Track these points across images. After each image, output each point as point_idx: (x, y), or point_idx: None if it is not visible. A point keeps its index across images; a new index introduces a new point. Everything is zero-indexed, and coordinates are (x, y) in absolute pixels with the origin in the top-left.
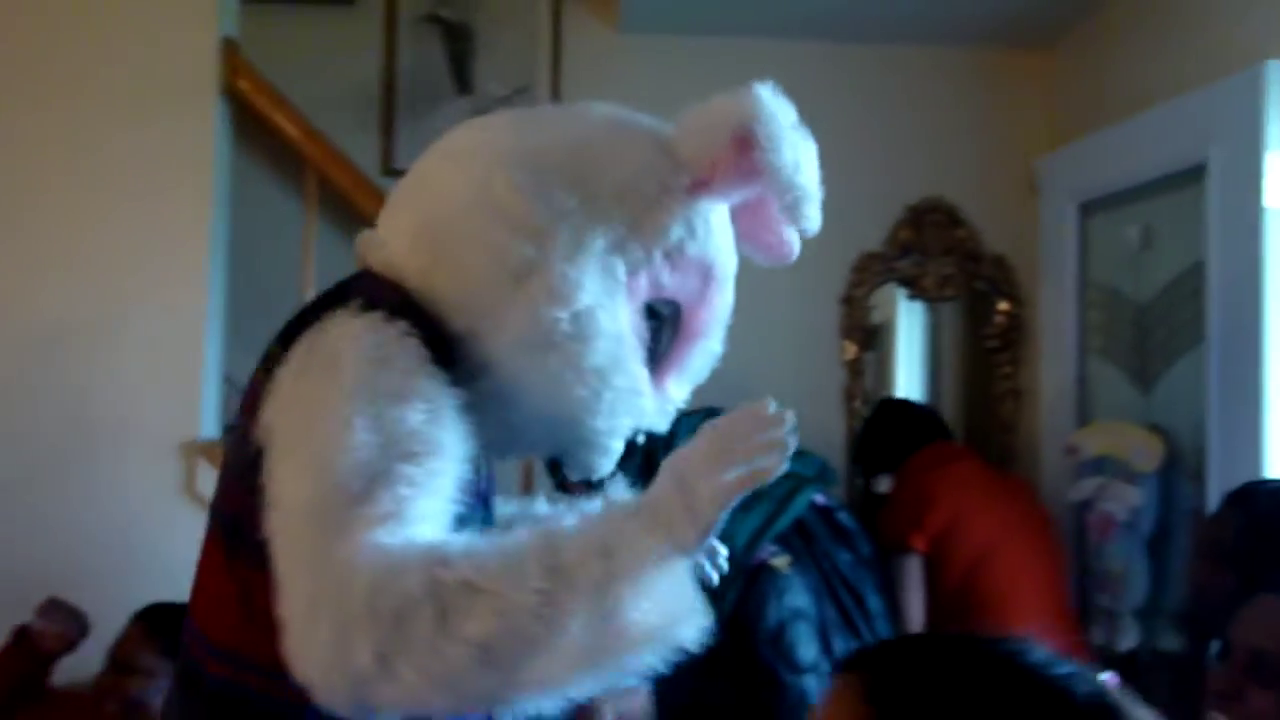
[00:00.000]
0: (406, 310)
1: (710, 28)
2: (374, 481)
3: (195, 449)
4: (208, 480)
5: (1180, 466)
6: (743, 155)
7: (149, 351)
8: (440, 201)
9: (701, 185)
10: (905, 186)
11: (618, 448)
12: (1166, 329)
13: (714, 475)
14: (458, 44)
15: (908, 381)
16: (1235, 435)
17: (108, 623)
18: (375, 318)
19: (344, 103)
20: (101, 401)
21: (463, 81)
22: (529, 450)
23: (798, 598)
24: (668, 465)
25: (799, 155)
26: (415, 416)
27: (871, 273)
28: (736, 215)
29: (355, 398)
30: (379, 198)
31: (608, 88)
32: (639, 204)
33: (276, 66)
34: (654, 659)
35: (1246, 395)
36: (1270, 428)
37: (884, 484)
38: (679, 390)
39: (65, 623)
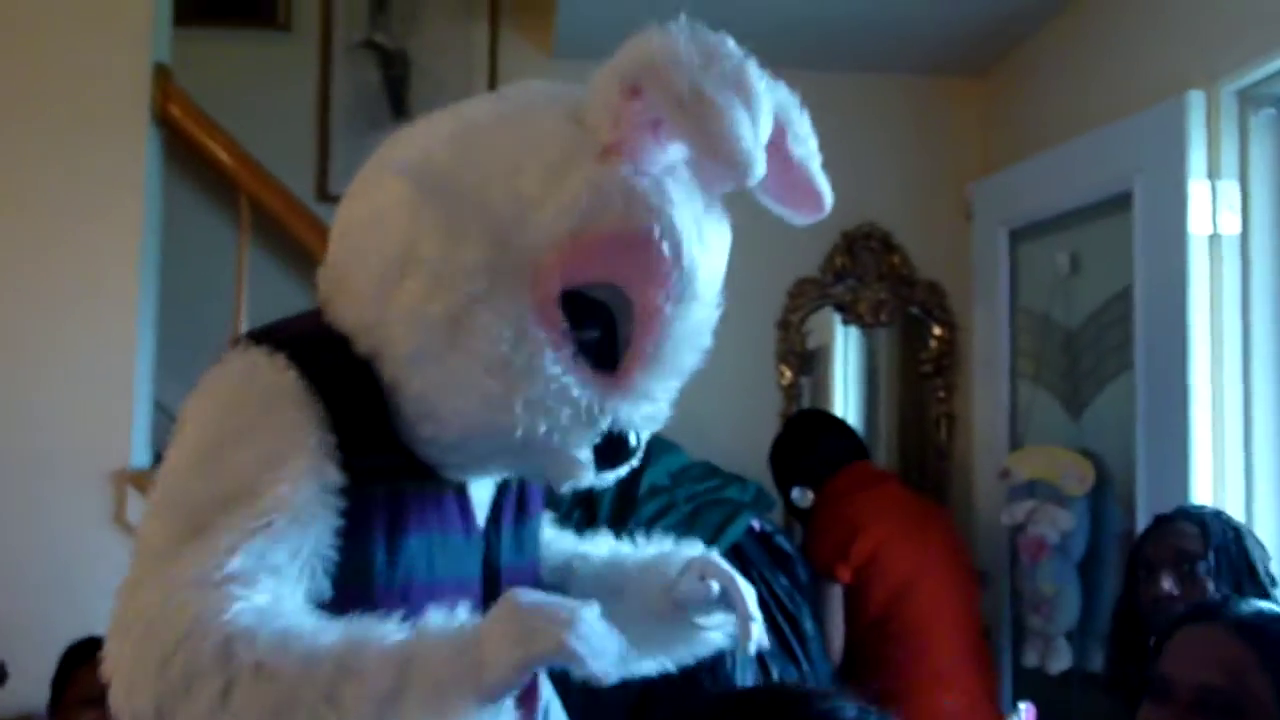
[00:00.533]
0: (295, 342)
1: None
2: (201, 522)
3: (125, 477)
4: (137, 509)
5: (1110, 490)
6: (639, 104)
7: (79, 379)
8: (341, 226)
9: (612, 149)
10: (840, 212)
11: (582, 453)
12: (1095, 354)
13: (519, 648)
14: (394, 70)
15: (844, 406)
16: (1162, 459)
17: (37, 650)
18: (260, 352)
19: (279, 129)
20: (30, 429)
21: (399, 107)
22: (494, 470)
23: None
24: (504, 602)
25: (700, 81)
26: (260, 460)
27: (807, 298)
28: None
29: (210, 434)
30: (313, 224)
31: None
32: (533, 183)
33: (211, 91)
34: None
35: (1173, 419)
36: (1195, 451)
37: (801, 497)
38: (657, 383)
39: None
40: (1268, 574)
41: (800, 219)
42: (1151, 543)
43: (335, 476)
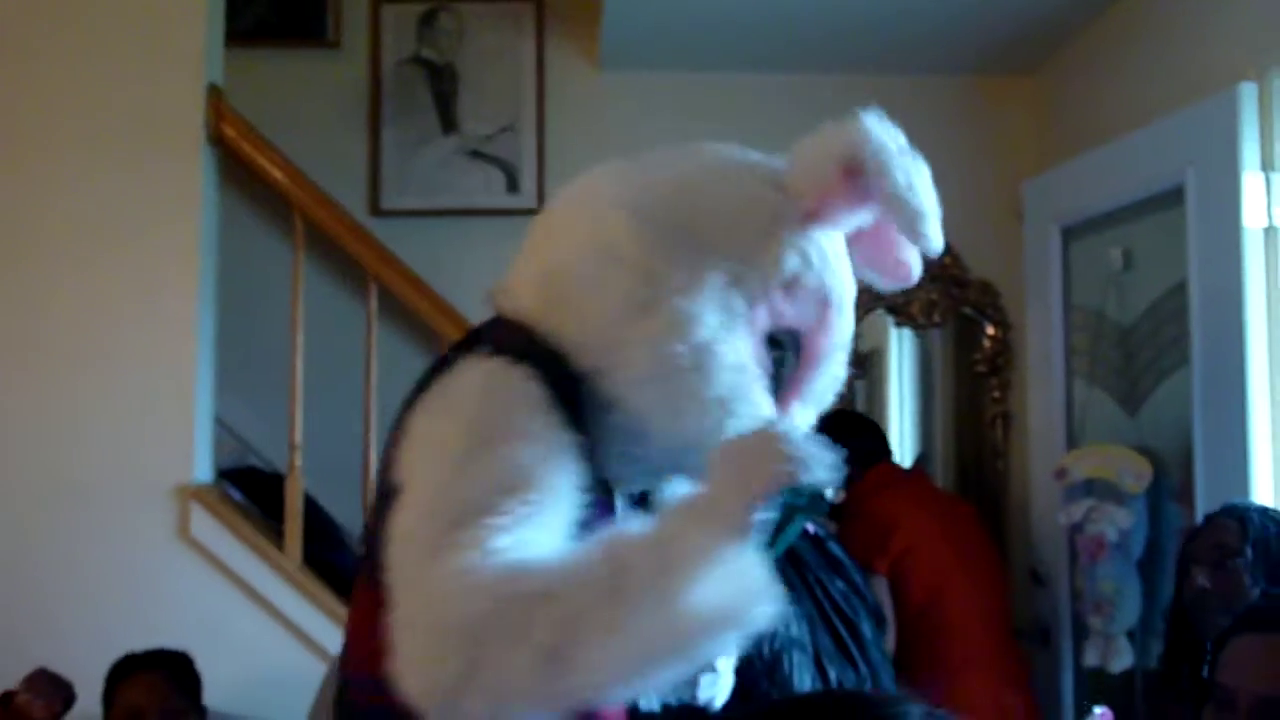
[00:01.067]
0: (531, 353)
1: (690, 63)
2: (471, 512)
3: (189, 493)
4: (201, 524)
5: (1168, 487)
6: (852, 182)
7: (140, 397)
8: (560, 248)
9: (813, 215)
10: None
11: None
12: (1151, 350)
13: (756, 464)
14: (442, 84)
15: (899, 407)
16: (1221, 454)
17: (99, 668)
18: (501, 362)
19: (330, 146)
20: (93, 447)
21: (447, 121)
22: (657, 481)
23: (792, 627)
24: (712, 459)
25: (910, 177)
26: (524, 455)
27: (859, 301)
28: (856, 242)
29: (468, 436)
30: (366, 239)
31: (591, 124)
32: (752, 238)
33: (262, 109)
34: (723, 644)
35: (1231, 414)
36: (1255, 445)
37: (832, 495)
38: (804, 415)
39: (51, 694)
40: None
41: (887, 285)
42: (1194, 539)
43: (583, 476)
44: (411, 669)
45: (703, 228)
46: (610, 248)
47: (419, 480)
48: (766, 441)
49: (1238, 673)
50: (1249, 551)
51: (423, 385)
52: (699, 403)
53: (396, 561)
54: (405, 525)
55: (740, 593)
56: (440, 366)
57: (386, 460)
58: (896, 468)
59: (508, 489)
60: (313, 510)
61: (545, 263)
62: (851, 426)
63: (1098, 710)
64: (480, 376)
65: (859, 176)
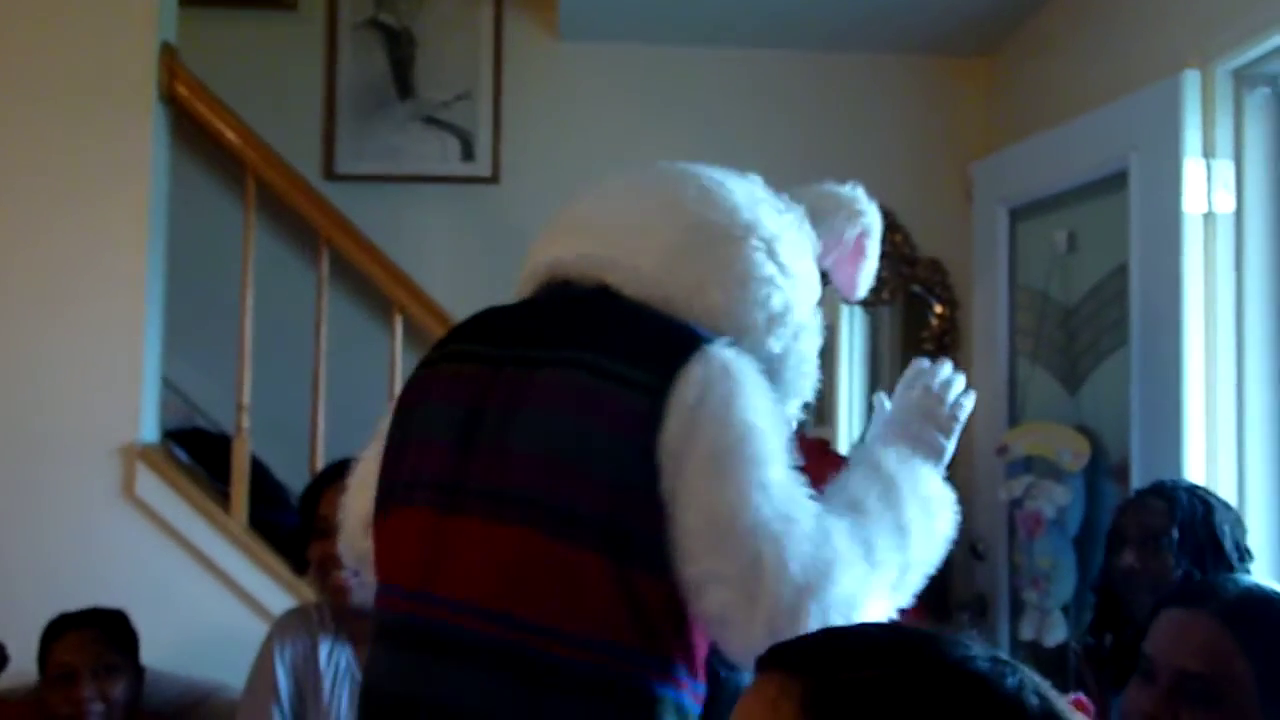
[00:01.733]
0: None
1: (649, 35)
2: (791, 483)
3: (134, 452)
4: (147, 484)
5: (1106, 466)
6: (858, 245)
7: (87, 355)
8: (707, 230)
9: (827, 261)
10: None
11: None
12: (1092, 331)
13: (942, 405)
14: (399, 50)
15: (848, 384)
16: (1156, 435)
17: (43, 623)
18: (723, 348)
19: (285, 108)
20: (40, 407)
21: (404, 87)
22: None
23: None
24: (895, 418)
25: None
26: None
27: None
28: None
29: (762, 405)
30: (318, 202)
31: (548, 94)
32: (814, 276)
33: (216, 71)
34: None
35: (1167, 395)
36: (1189, 426)
37: None
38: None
39: None
40: (1237, 549)
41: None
42: (1123, 517)
43: None
44: (762, 623)
45: (802, 268)
46: (749, 272)
47: (739, 461)
48: (935, 395)
49: (1160, 645)
50: (1175, 532)
51: (658, 370)
52: (811, 373)
53: (753, 507)
54: (755, 480)
55: (948, 508)
56: (664, 353)
57: (628, 439)
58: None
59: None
60: (259, 472)
61: (683, 240)
62: None
63: (1071, 698)
64: (739, 362)
65: (865, 240)
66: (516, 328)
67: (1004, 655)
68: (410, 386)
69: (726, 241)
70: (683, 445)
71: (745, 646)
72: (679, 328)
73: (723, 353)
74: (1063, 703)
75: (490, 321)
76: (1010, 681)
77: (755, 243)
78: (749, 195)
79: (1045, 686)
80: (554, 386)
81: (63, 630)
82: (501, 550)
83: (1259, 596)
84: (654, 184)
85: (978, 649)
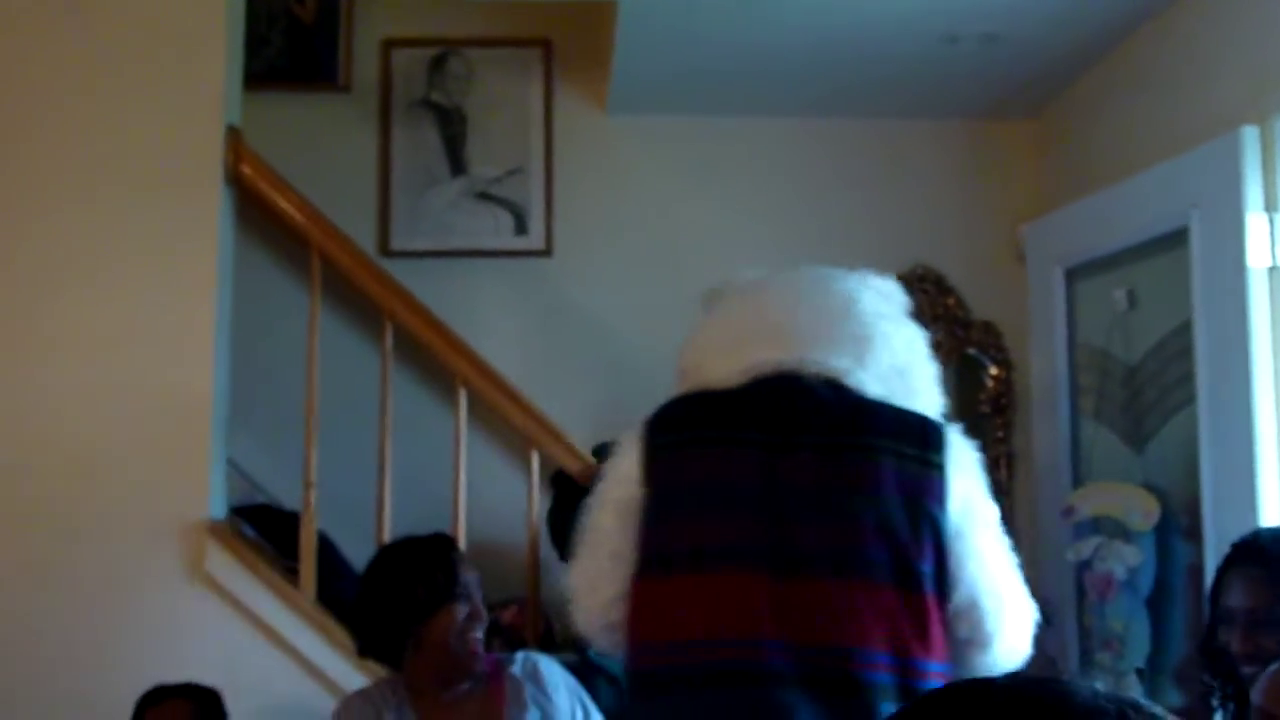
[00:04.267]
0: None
1: (698, 108)
2: None
3: (204, 528)
4: (216, 560)
5: (1175, 524)
6: None
7: (155, 433)
8: (906, 353)
9: None
10: (895, 255)
11: None
12: (1157, 389)
13: None
14: (451, 127)
15: None
16: (1228, 491)
17: (115, 700)
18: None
19: (340, 187)
20: (108, 483)
21: (456, 164)
22: None
23: None
24: None
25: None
26: None
27: None
28: None
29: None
30: (382, 278)
31: (599, 168)
32: None
33: (273, 151)
34: None
35: (1238, 451)
36: (1263, 483)
37: None
38: None
39: None
40: None
41: None
42: (1225, 590)
43: None
44: (1021, 633)
45: None
46: (923, 353)
47: (992, 525)
48: None
49: (1233, 594)
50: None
51: (923, 444)
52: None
53: (1011, 579)
54: (1006, 556)
55: None
56: (925, 434)
57: (909, 496)
58: None
59: None
60: (324, 547)
61: (892, 360)
62: None
63: None
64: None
65: None
66: (773, 417)
67: (1137, 700)
68: (661, 469)
69: (922, 355)
70: (966, 506)
71: (981, 663)
72: (925, 418)
73: (959, 435)
74: None
75: (728, 409)
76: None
77: (927, 353)
78: (901, 305)
79: None
80: (870, 468)
81: (160, 699)
82: (844, 599)
83: None
84: (848, 293)
85: (1085, 687)
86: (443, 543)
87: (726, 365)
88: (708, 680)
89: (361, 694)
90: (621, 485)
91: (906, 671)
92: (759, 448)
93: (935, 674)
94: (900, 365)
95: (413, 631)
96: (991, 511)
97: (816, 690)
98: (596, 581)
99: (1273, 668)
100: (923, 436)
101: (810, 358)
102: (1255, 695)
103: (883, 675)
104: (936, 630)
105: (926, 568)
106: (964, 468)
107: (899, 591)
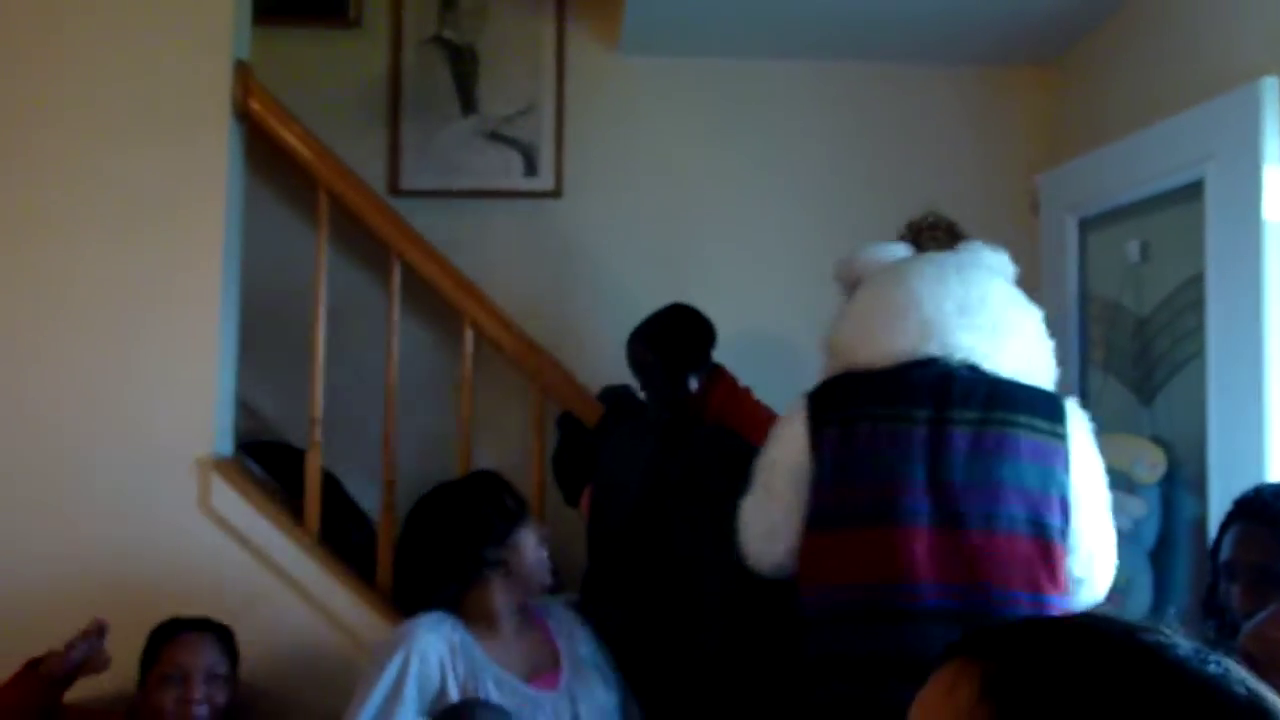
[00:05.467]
0: None
1: (711, 49)
2: None
3: (210, 465)
4: (222, 496)
5: (1181, 477)
6: None
7: (163, 370)
8: (1032, 338)
9: None
10: (907, 202)
11: None
12: (1167, 341)
13: None
14: (462, 66)
15: None
16: (1235, 446)
17: (123, 634)
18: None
19: (350, 123)
20: (116, 417)
21: (467, 102)
22: None
23: None
24: None
25: None
26: None
27: None
28: None
29: None
30: (390, 216)
31: (611, 109)
32: None
33: (282, 87)
34: None
35: (1246, 406)
36: (1270, 438)
37: (695, 383)
38: None
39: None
40: None
41: None
42: (1228, 547)
43: None
44: (1110, 575)
45: None
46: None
47: (1100, 480)
48: None
49: (1236, 550)
50: None
51: (1047, 414)
52: None
53: (1109, 524)
54: (1106, 505)
55: None
56: (1049, 405)
57: (1048, 466)
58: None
59: None
60: (330, 485)
61: (1025, 349)
62: (702, 321)
63: None
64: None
65: None
66: (928, 397)
67: (1205, 651)
68: (831, 439)
69: (1042, 336)
70: (1085, 478)
71: (1086, 597)
72: (1050, 393)
73: (1076, 408)
74: (1274, 697)
75: (889, 389)
76: (1213, 669)
77: (1045, 333)
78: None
79: (1255, 680)
80: (1010, 440)
81: (177, 632)
82: (990, 548)
83: None
84: (973, 285)
85: (1181, 639)
86: (490, 475)
87: (879, 349)
88: (879, 615)
89: (422, 626)
90: (792, 453)
91: (1037, 605)
92: (919, 423)
93: (1059, 607)
94: (1028, 349)
95: (495, 558)
96: (1100, 473)
97: (963, 623)
98: (773, 534)
99: (1262, 615)
100: (1049, 411)
101: (954, 343)
102: (1241, 638)
103: (1019, 609)
104: (1062, 572)
105: (1056, 521)
106: (1081, 438)
107: (1034, 541)
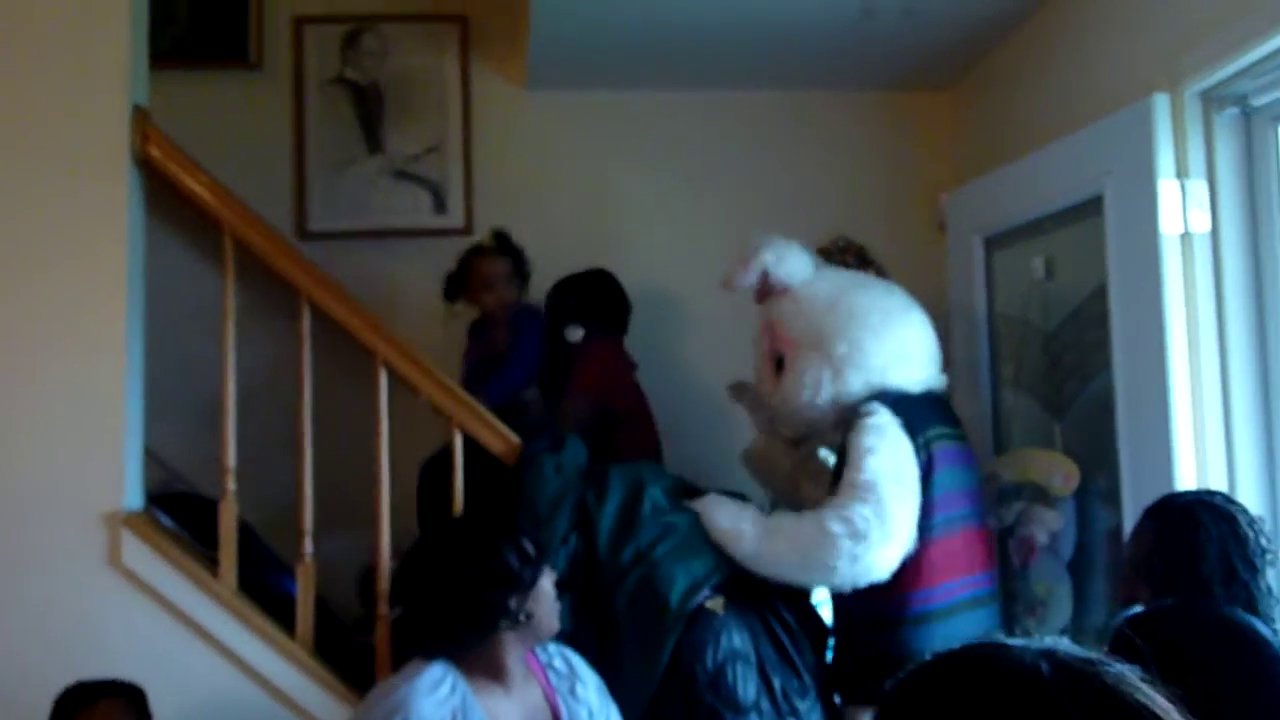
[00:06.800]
0: None
1: (618, 82)
2: None
3: (119, 520)
4: (133, 551)
5: (1095, 488)
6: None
7: (69, 422)
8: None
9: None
10: (816, 227)
11: None
12: (1075, 355)
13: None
14: (367, 105)
15: None
16: (1145, 455)
17: (33, 695)
18: None
19: (254, 166)
20: (21, 474)
21: (373, 142)
22: None
23: (735, 638)
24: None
25: None
26: None
27: None
28: None
29: None
30: (297, 259)
31: (518, 144)
32: None
33: (182, 132)
34: None
35: (1154, 415)
36: (1178, 446)
37: (573, 333)
38: None
39: None
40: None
41: None
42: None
43: None
44: None
45: None
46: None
47: None
48: None
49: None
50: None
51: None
52: None
53: None
54: None
55: None
56: None
57: None
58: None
59: None
60: (245, 534)
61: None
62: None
63: None
64: None
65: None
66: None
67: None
68: (927, 456)
69: None
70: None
71: None
72: None
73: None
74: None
75: (939, 411)
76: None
77: None
78: None
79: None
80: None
81: (94, 699)
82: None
83: None
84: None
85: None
86: (503, 513)
87: (910, 375)
88: (972, 603)
89: (419, 692)
90: (913, 467)
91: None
92: (964, 440)
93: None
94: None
95: (518, 608)
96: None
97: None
98: (910, 536)
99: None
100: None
101: (932, 376)
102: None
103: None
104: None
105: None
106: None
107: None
